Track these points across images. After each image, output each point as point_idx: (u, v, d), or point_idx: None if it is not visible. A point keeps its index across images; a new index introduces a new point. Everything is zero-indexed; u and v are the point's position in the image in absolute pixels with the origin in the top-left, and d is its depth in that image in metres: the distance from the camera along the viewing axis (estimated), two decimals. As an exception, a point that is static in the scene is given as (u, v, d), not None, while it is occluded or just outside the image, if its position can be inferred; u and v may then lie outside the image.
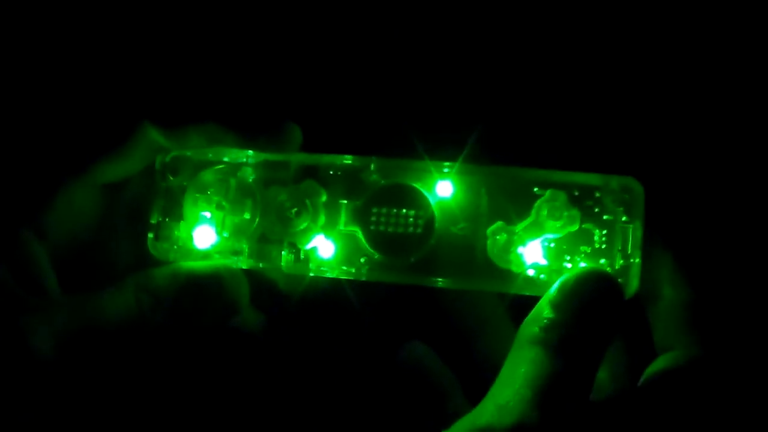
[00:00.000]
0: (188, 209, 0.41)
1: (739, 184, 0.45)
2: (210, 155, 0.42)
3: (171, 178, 0.42)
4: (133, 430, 0.40)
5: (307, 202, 0.41)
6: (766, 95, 0.46)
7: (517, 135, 0.46)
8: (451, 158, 0.41)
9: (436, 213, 0.40)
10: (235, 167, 0.42)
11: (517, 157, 0.41)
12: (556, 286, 0.37)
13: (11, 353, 0.36)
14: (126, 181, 0.42)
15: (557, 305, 0.36)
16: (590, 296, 0.36)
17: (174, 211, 0.42)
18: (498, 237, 0.39)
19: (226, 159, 0.42)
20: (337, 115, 0.47)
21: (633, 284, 0.38)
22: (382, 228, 0.40)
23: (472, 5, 0.47)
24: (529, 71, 0.47)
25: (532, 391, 0.32)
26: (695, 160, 0.45)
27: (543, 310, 0.36)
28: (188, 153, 0.42)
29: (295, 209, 0.40)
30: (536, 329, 0.35)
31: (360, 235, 0.40)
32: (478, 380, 0.40)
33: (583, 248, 0.39)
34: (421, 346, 0.42)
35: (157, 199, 0.42)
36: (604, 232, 0.39)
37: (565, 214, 0.39)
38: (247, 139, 0.42)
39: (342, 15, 0.48)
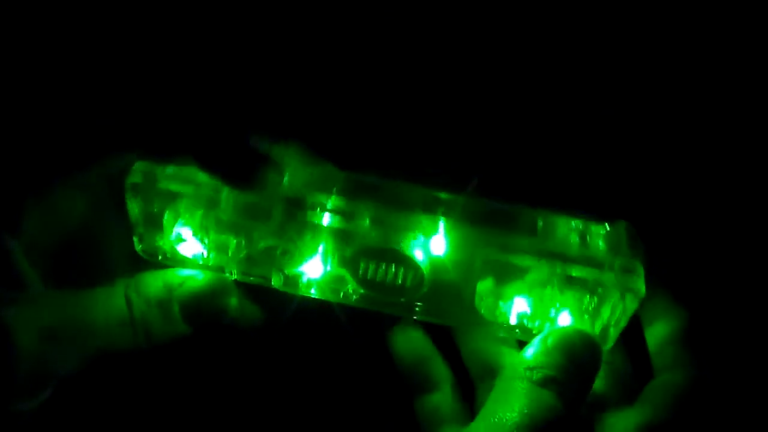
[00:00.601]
0: (168, 229, 0.40)
1: (738, 217, 0.42)
2: (185, 172, 0.39)
3: (146, 196, 0.39)
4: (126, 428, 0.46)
5: (292, 246, 0.39)
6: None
7: (516, 178, 0.41)
8: (449, 191, 0.38)
9: (426, 270, 0.39)
10: (217, 191, 0.39)
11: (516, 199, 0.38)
12: (539, 340, 0.39)
13: None
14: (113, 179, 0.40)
15: (543, 352, 0.38)
16: (576, 353, 0.38)
17: (154, 224, 0.40)
18: (486, 299, 0.40)
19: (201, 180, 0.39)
20: (331, 146, 0.40)
21: (608, 344, 0.40)
22: (370, 276, 0.40)
23: (474, 46, 0.37)
24: (527, 115, 0.39)
25: (525, 419, 0.36)
26: (694, 195, 0.42)
27: (531, 356, 0.38)
28: (158, 180, 0.38)
29: (280, 250, 0.39)
30: (522, 369, 0.38)
31: (349, 277, 0.40)
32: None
33: (571, 306, 0.40)
34: (413, 329, 0.45)
35: (134, 215, 0.40)
36: (595, 299, 0.39)
37: (559, 295, 0.39)
38: (223, 181, 0.38)
39: (338, 39, 0.37)
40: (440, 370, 0.44)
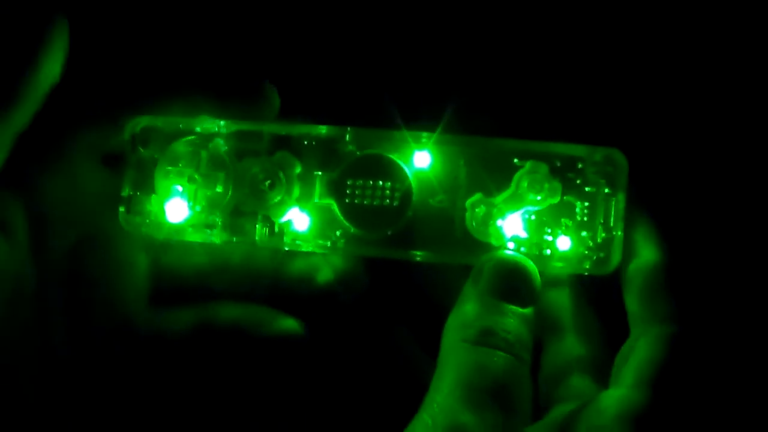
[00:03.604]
0: (160, 182, 0.40)
1: (724, 154, 0.43)
2: (181, 125, 0.41)
3: (141, 149, 0.40)
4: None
5: (281, 174, 0.39)
6: (752, 71, 0.44)
7: (498, 105, 0.44)
8: (429, 129, 0.39)
9: (414, 185, 0.39)
10: (207, 138, 0.40)
11: (498, 127, 0.39)
12: (469, 282, 0.36)
13: None
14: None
15: (474, 296, 0.35)
16: (502, 281, 0.36)
17: (145, 183, 0.41)
18: (477, 210, 0.38)
19: (198, 129, 0.41)
20: (313, 83, 0.45)
21: (615, 257, 0.38)
22: (357, 201, 0.39)
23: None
24: (509, 39, 0.45)
25: (461, 390, 0.32)
26: (679, 129, 0.44)
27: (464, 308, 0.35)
28: (158, 123, 0.40)
29: (269, 181, 0.39)
30: (460, 330, 0.35)
31: (335, 207, 0.39)
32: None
33: (564, 221, 0.38)
34: (402, 332, 0.42)
35: (128, 171, 0.40)
36: (586, 204, 0.38)
37: (546, 186, 0.38)
38: (227, 103, 0.40)
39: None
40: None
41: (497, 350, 0.34)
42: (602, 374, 0.36)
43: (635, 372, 0.33)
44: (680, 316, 0.34)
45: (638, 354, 0.34)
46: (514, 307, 0.35)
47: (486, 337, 0.34)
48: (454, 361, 0.34)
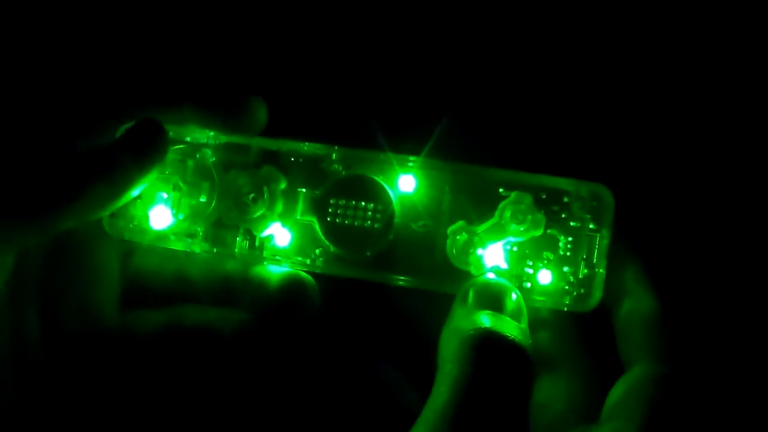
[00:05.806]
0: (146, 188, 0.40)
1: (711, 194, 0.43)
2: (171, 133, 0.41)
3: None
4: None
5: (265, 188, 0.39)
6: (739, 106, 0.43)
7: (486, 133, 0.44)
8: (416, 152, 0.39)
9: (397, 208, 0.38)
10: (196, 148, 0.40)
11: (484, 155, 0.39)
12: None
13: None
14: None
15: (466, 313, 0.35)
16: (491, 299, 0.35)
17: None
18: (458, 237, 0.38)
19: (187, 139, 0.41)
20: (301, 103, 0.45)
21: (596, 295, 0.37)
22: (339, 220, 0.39)
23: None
24: (503, 68, 0.45)
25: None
26: (668, 169, 0.43)
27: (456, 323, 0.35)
28: None
29: (253, 195, 0.39)
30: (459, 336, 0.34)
31: (316, 225, 0.39)
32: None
33: (546, 254, 0.38)
34: (389, 370, 0.41)
35: None
36: (570, 239, 0.37)
37: (530, 217, 0.37)
38: (214, 114, 0.40)
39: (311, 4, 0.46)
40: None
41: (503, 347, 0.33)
42: (590, 411, 0.36)
43: (630, 408, 0.33)
44: (674, 358, 0.34)
45: (633, 391, 0.34)
46: (509, 318, 0.34)
47: (490, 336, 0.33)
48: (456, 363, 0.32)
